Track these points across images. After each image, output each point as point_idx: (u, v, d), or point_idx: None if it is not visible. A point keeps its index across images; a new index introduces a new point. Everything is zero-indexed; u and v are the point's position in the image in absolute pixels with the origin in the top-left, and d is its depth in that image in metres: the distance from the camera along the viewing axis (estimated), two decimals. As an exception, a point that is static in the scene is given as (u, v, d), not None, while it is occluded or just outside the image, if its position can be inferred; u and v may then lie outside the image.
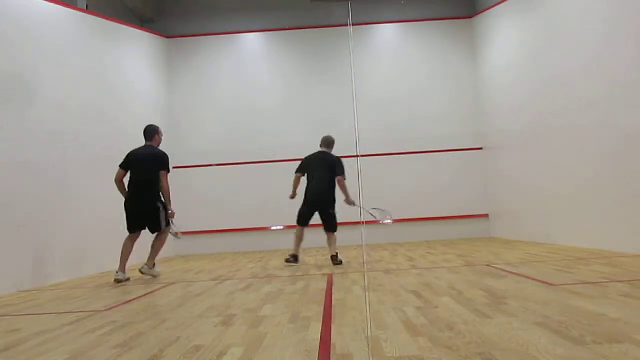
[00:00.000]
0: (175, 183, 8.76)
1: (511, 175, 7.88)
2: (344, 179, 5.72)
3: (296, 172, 5.97)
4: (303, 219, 5.79)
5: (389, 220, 6.51)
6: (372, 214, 5.68)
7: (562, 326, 2.28)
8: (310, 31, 9.12)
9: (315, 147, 6.17)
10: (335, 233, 5.75)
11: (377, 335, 2.32)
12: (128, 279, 5.15)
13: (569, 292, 3.12)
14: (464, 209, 8.69)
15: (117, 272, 5.11)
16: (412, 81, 9.00)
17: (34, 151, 5.62)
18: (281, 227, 8.60)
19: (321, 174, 5.75)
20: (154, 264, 5.44)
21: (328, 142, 6.12)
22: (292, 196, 5.87)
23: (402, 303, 3.10)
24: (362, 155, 8.52)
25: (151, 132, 5.43)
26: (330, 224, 5.73)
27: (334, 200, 5.76)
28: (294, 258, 5.78)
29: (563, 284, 3.43)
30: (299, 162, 6.14)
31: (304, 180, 5.93)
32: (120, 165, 5.31)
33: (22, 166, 5.42)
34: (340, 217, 5.71)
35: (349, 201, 5.75)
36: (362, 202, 8.08)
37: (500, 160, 8.29)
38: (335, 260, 5.58)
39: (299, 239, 5.82)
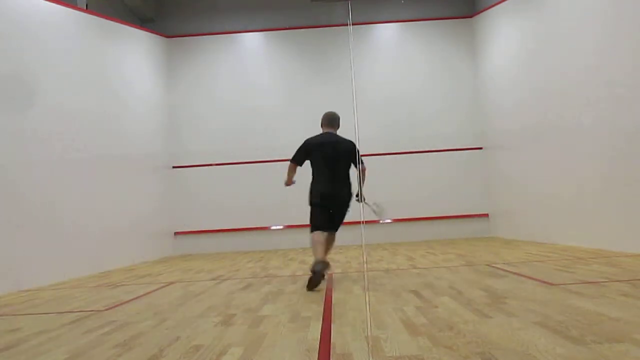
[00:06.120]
0: (176, 183, 8.81)
1: (511, 175, 7.89)
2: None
3: (293, 161, 4.54)
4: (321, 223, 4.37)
5: (388, 220, 6.28)
6: (373, 210, 4.84)
7: (562, 326, 2.28)
8: (310, 31, 9.12)
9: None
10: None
11: (377, 335, 2.32)
12: None
13: (569, 292, 3.12)
14: (464, 209, 8.68)
15: None
16: (412, 81, 9.01)
17: (34, 151, 5.62)
18: (281, 227, 8.61)
19: (335, 165, 4.46)
20: None
21: (333, 119, 4.64)
22: (289, 182, 4.57)
23: (402, 303, 3.10)
24: (362, 155, 8.50)
25: None
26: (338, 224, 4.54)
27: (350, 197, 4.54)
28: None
29: (563, 284, 3.43)
30: None
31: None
32: None
33: (22, 166, 5.42)
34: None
35: (360, 195, 4.50)
36: (362, 202, 8.08)
37: (500, 160, 8.29)
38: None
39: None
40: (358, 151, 4.41)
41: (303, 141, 4.54)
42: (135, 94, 8.00)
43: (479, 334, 2.24)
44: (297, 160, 4.51)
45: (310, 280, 3.91)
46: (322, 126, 4.67)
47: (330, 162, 4.46)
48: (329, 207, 4.41)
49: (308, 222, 4.42)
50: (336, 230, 4.55)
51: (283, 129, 8.83)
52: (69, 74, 6.44)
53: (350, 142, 4.54)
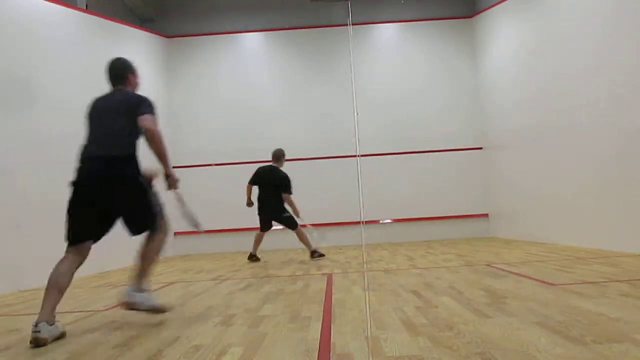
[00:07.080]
0: (175, 183, 8.80)
1: (511, 175, 7.88)
2: (290, 194, 6.41)
3: (249, 182, 6.66)
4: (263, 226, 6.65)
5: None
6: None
7: (562, 326, 2.28)
8: (310, 31, 9.12)
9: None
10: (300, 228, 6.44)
11: (377, 335, 2.32)
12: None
13: (569, 292, 3.12)
14: (464, 209, 8.68)
15: None
16: (412, 81, 9.00)
17: (34, 151, 5.61)
18: (281, 227, 8.59)
19: (268, 189, 6.46)
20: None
21: (278, 156, 6.67)
22: (248, 204, 6.62)
23: (402, 303, 3.09)
24: (362, 155, 8.51)
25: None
26: (290, 225, 6.45)
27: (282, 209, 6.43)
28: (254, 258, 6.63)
29: (563, 284, 3.43)
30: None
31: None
32: None
33: (22, 166, 5.42)
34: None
35: (296, 214, 6.40)
36: (362, 202, 8.08)
37: (500, 160, 8.29)
38: (314, 255, 6.41)
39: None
40: (288, 184, 6.38)
41: (255, 169, 6.61)
42: (135, 94, 7.99)
43: (479, 334, 2.24)
44: (250, 181, 6.63)
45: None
46: (272, 159, 6.65)
47: (266, 186, 6.46)
48: (264, 215, 6.54)
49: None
50: (293, 228, 6.40)
51: (283, 129, 8.82)
52: (68, 74, 6.43)
53: (284, 175, 6.44)
